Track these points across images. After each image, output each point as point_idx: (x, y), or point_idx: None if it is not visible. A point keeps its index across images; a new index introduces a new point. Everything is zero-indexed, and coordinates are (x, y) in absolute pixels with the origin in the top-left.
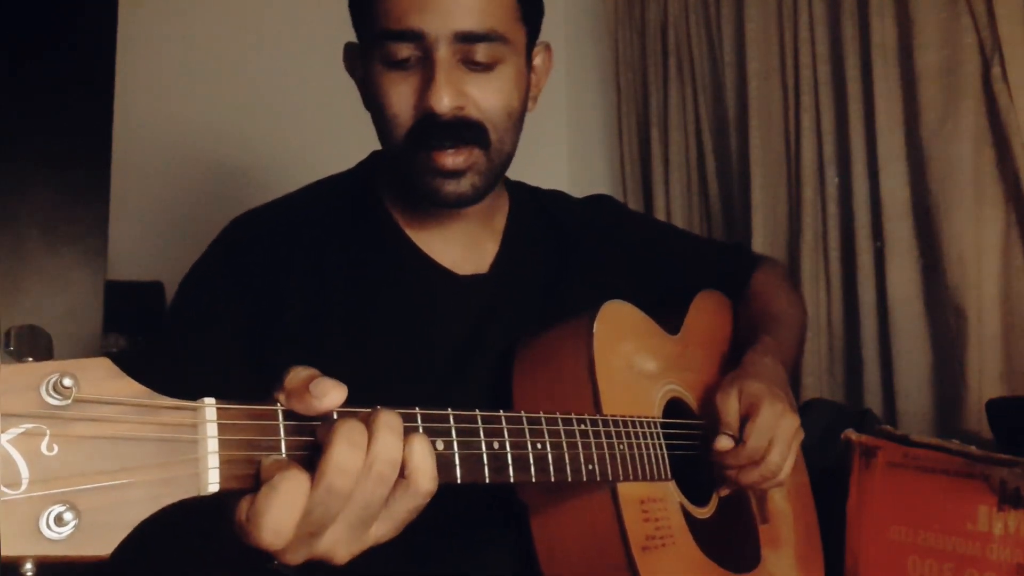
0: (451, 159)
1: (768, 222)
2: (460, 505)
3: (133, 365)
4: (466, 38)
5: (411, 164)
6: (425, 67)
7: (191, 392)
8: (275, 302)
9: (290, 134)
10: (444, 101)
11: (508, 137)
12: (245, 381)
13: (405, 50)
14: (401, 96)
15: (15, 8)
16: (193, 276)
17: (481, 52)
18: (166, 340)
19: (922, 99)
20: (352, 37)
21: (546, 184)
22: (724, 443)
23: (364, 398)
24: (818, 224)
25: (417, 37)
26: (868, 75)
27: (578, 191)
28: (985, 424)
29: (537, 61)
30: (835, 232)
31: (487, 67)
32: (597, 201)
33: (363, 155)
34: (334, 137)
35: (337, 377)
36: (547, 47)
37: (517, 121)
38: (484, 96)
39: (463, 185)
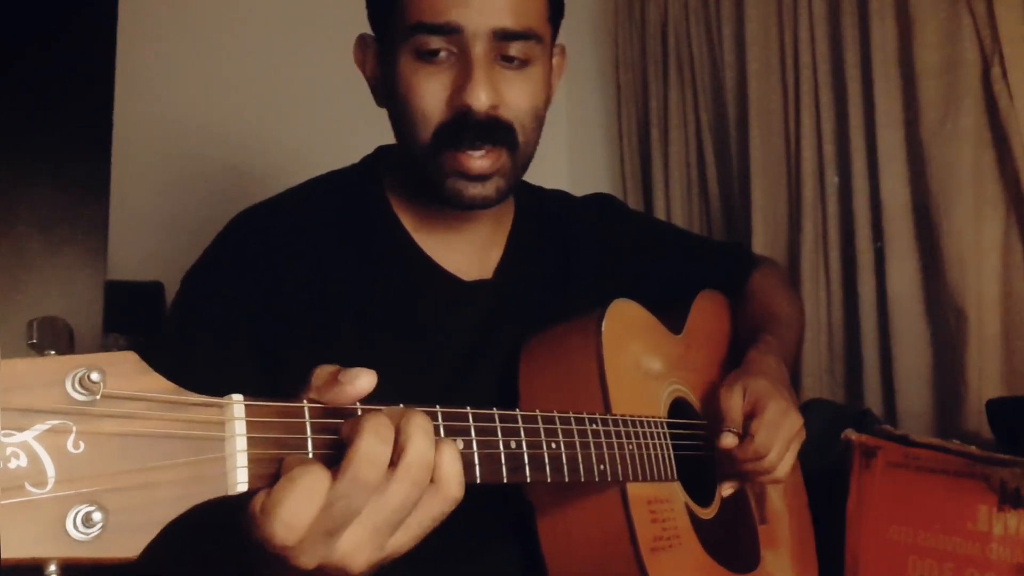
0: (478, 162)
1: (768, 222)
2: (466, 505)
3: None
4: (504, 36)
5: (436, 164)
6: (459, 63)
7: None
8: (280, 303)
9: (291, 134)
10: (482, 99)
11: (533, 138)
12: (251, 381)
13: (439, 44)
14: (432, 92)
15: (13, 5)
16: (197, 275)
17: (516, 50)
18: (170, 339)
19: (922, 99)
20: (357, 30)
21: (546, 184)
22: (728, 440)
23: (370, 402)
24: (818, 224)
25: (454, 31)
26: (868, 75)
27: (578, 191)
28: (985, 424)
29: (554, 62)
30: (835, 232)
31: (520, 65)
32: (598, 201)
33: (365, 154)
34: (336, 136)
35: None
36: (562, 50)
37: (541, 122)
38: (516, 96)
39: (488, 188)
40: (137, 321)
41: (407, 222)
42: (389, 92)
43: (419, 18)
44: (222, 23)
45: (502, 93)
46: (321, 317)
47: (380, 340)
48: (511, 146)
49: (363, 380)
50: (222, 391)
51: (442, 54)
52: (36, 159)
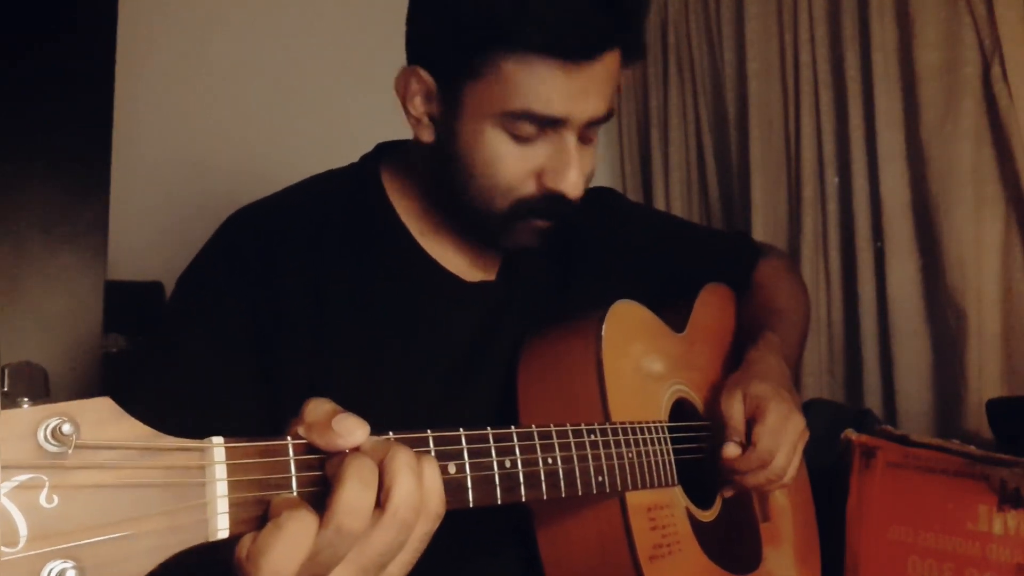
0: (545, 224)
1: (768, 222)
2: (464, 511)
3: (133, 372)
4: (592, 123)
5: (508, 224)
6: (550, 144)
7: (193, 401)
8: (277, 305)
9: (291, 134)
10: (578, 188)
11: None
12: (249, 387)
13: (533, 128)
14: (523, 171)
15: (13, 4)
16: (191, 276)
17: (595, 131)
18: (166, 344)
19: (922, 99)
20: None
21: None
22: (732, 451)
23: (371, 405)
24: (818, 224)
25: (557, 123)
26: (868, 75)
27: None
28: (985, 424)
29: None
30: (835, 232)
31: (592, 141)
32: (599, 196)
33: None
34: (336, 137)
35: (342, 381)
36: None
37: None
38: (587, 169)
39: (541, 239)
40: (137, 321)
41: (409, 222)
42: (461, 149)
43: (528, 106)
44: (222, 23)
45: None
46: (321, 318)
47: (382, 341)
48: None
49: (358, 435)
50: (218, 400)
51: (532, 135)
52: (37, 160)
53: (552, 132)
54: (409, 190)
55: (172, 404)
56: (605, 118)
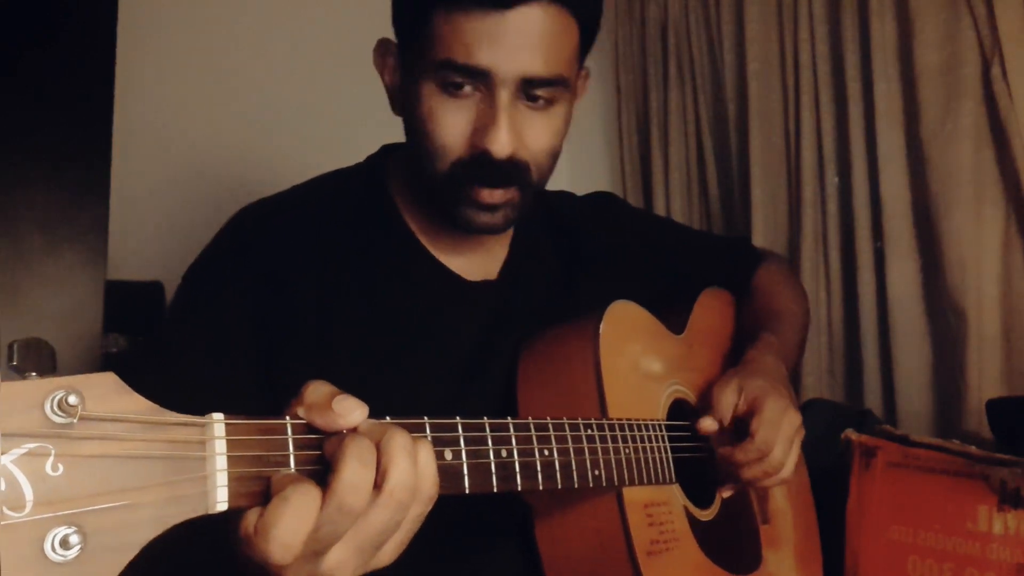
0: (489, 194)
1: (768, 222)
2: (464, 507)
3: (135, 365)
4: (531, 82)
5: (450, 193)
6: (484, 101)
7: (195, 396)
8: (282, 303)
9: (291, 135)
10: (504, 145)
11: (546, 174)
12: (251, 383)
13: (465, 81)
14: (455, 127)
15: (14, 4)
16: (197, 272)
17: (542, 92)
18: (170, 338)
19: (922, 99)
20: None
21: (547, 185)
22: (708, 424)
23: (373, 401)
24: (818, 224)
25: (483, 75)
26: (868, 75)
27: (578, 191)
28: (985, 424)
29: (577, 85)
30: (835, 232)
31: (544, 105)
32: (601, 200)
33: (367, 153)
34: (336, 138)
35: (345, 380)
36: (587, 73)
37: (556, 157)
38: (536, 137)
39: (496, 217)
40: (137, 321)
41: (412, 223)
42: (409, 111)
43: (448, 55)
44: (222, 23)
45: (523, 134)
46: (324, 317)
47: (383, 340)
48: (523, 184)
49: (356, 415)
50: (219, 396)
51: (467, 88)
52: (37, 160)
53: (484, 88)
54: (411, 189)
55: (171, 395)
56: (548, 81)
